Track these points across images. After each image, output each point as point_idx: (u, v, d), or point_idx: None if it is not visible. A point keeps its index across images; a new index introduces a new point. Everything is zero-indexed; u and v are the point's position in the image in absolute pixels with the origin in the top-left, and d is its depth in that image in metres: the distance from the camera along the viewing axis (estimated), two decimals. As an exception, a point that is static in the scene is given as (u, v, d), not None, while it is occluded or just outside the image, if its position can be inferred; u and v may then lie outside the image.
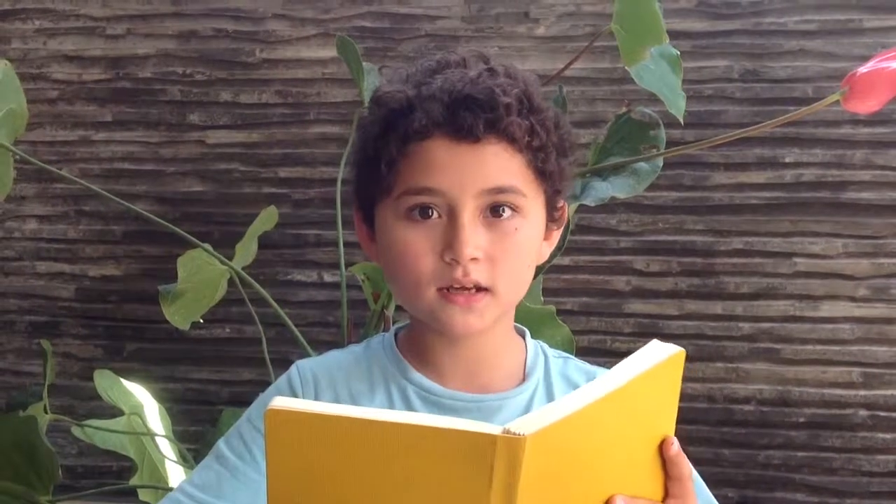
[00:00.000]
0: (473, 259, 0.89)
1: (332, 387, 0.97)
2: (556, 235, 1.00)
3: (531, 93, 0.93)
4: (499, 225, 0.90)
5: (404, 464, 0.69)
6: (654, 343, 0.79)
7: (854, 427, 2.12)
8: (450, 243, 0.89)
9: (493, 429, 0.66)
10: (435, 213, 0.90)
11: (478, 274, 0.89)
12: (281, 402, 0.69)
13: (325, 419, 0.69)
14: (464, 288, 0.90)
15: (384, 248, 0.94)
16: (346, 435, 0.69)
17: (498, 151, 0.89)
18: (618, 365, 0.76)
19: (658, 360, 0.76)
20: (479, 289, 0.90)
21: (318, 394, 0.97)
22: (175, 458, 1.77)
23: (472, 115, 0.88)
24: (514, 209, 0.90)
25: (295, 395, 0.97)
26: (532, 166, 0.92)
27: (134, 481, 1.74)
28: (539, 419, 0.67)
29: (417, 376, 0.97)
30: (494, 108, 0.89)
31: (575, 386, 1.00)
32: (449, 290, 0.90)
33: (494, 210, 0.90)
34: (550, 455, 0.68)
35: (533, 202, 0.92)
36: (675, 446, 0.80)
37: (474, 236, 0.89)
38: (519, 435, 0.65)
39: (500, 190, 0.89)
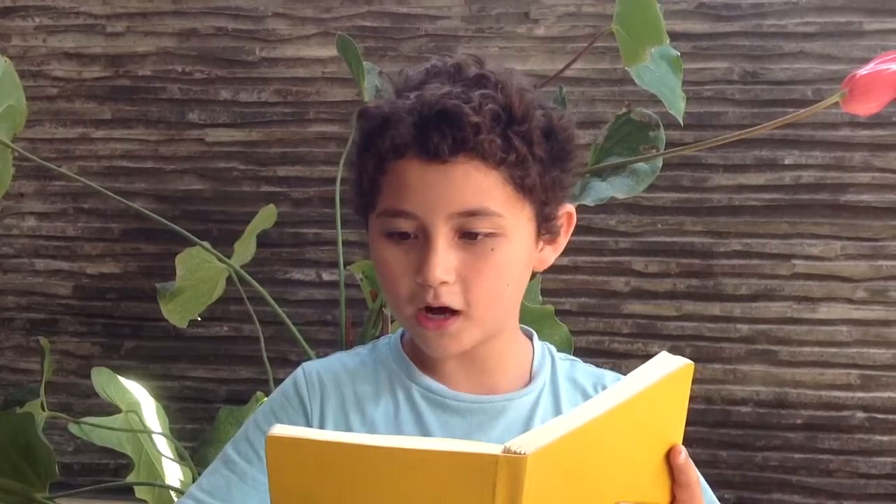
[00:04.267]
0: (444, 282, 0.88)
1: (337, 389, 0.97)
2: (563, 241, 0.98)
3: (512, 103, 0.88)
4: (473, 247, 0.88)
5: (406, 487, 0.69)
6: (663, 355, 0.79)
7: (851, 429, 2.12)
8: (420, 267, 0.88)
9: (493, 449, 0.66)
10: (412, 234, 0.89)
11: (449, 297, 0.88)
12: (281, 430, 0.69)
13: (325, 446, 0.69)
14: (436, 310, 0.89)
15: (372, 259, 0.94)
16: (347, 461, 0.69)
17: (469, 171, 0.87)
18: (625, 378, 0.76)
19: (665, 372, 0.76)
20: (452, 312, 0.89)
21: (323, 396, 0.96)
22: (172, 456, 1.77)
23: (439, 135, 0.86)
24: (490, 231, 0.88)
25: (300, 398, 0.97)
26: (511, 182, 0.88)
27: (131, 479, 1.74)
28: (540, 437, 0.67)
29: (423, 378, 0.96)
30: (461, 127, 0.85)
31: (581, 389, 0.99)
32: (425, 312, 0.89)
33: (468, 232, 0.88)
34: (553, 472, 0.68)
35: (514, 219, 0.89)
36: (683, 455, 0.80)
37: (445, 260, 0.87)
38: (520, 454, 0.65)
39: (471, 213, 0.87)
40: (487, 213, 0.88)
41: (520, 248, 0.91)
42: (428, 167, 0.87)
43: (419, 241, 0.89)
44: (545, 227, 0.94)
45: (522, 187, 0.89)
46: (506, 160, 0.88)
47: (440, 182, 0.87)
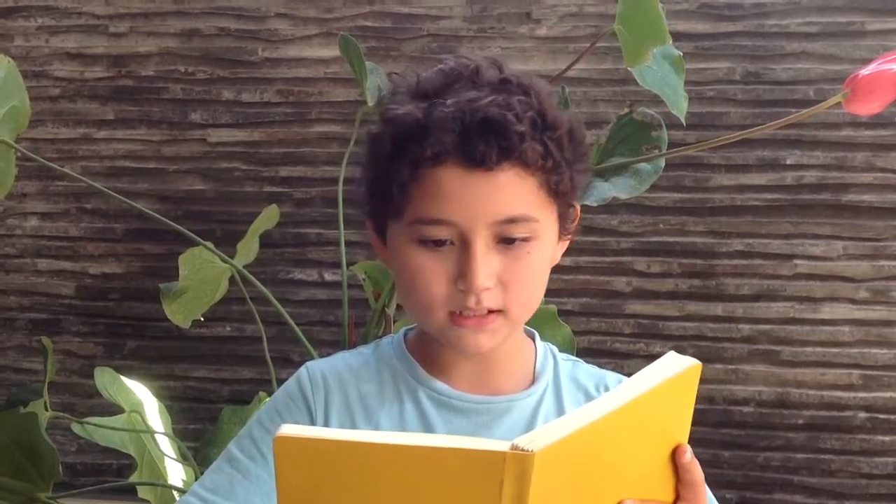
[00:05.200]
0: (486, 288, 0.88)
1: (341, 389, 0.97)
2: (570, 237, 0.99)
3: (545, 109, 0.90)
4: (511, 251, 0.89)
5: (414, 484, 0.69)
6: (671, 355, 0.79)
7: (853, 429, 2.12)
8: (462, 272, 0.88)
9: (501, 445, 0.66)
10: (447, 240, 0.89)
11: (490, 300, 0.89)
12: (288, 430, 0.70)
13: (333, 444, 0.69)
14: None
15: (396, 266, 0.93)
16: (355, 459, 0.70)
17: (511, 178, 0.88)
18: (632, 377, 0.76)
19: (673, 373, 0.77)
20: (491, 311, 0.90)
21: (327, 396, 0.97)
22: (175, 456, 1.77)
23: (484, 144, 0.86)
24: (526, 235, 0.90)
25: (305, 397, 0.97)
26: (545, 186, 0.90)
27: (134, 479, 1.74)
28: (548, 434, 0.67)
29: (427, 378, 0.97)
30: (508, 136, 0.86)
31: (584, 389, 1.00)
32: (460, 314, 0.90)
33: (506, 238, 0.89)
34: (560, 469, 0.69)
35: (545, 222, 0.91)
36: (689, 454, 0.81)
37: (486, 265, 0.88)
38: (528, 451, 0.65)
39: (513, 220, 0.88)
40: (527, 219, 0.89)
41: (548, 249, 0.93)
42: (470, 175, 0.87)
43: (456, 247, 0.89)
44: (565, 227, 0.96)
45: (556, 192, 0.91)
46: (544, 166, 0.89)
47: (483, 190, 0.87)
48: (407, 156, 0.88)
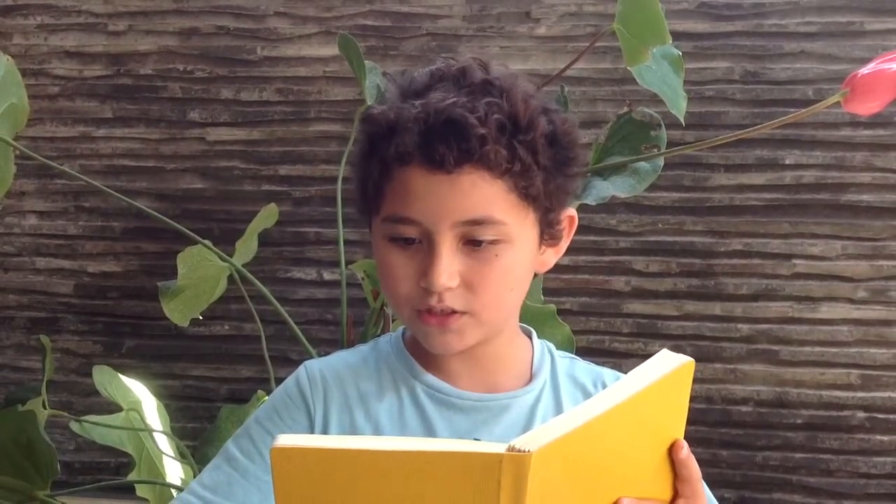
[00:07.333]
0: (448, 288, 0.89)
1: (340, 387, 0.97)
2: (565, 244, 0.99)
3: (517, 112, 0.89)
4: (478, 253, 0.89)
5: (412, 489, 0.69)
6: (664, 353, 0.80)
7: (852, 429, 2.12)
8: (425, 272, 0.89)
9: (498, 447, 0.67)
10: (416, 239, 0.90)
11: (453, 301, 0.90)
12: (285, 440, 0.70)
13: (330, 453, 0.70)
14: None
15: (376, 261, 0.95)
16: (353, 467, 0.70)
17: (475, 181, 0.87)
18: (627, 375, 0.77)
19: (667, 370, 0.77)
20: (456, 311, 0.90)
21: (326, 394, 0.97)
22: (173, 455, 1.77)
23: (444, 146, 0.86)
24: (494, 238, 0.89)
25: (304, 396, 0.97)
26: (515, 190, 0.89)
27: (132, 477, 1.74)
28: (544, 434, 0.68)
29: (427, 376, 0.97)
30: (467, 138, 0.86)
31: (581, 386, 1.00)
32: (427, 311, 0.90)
33: (473, 240, 0.89)
34: (557, 468, 0.69)
35: (518, 226, 0.90)
36: (685, 450, 0.81)
37: (449, 266, 0.88)
38: (524, 452, 0.66)
39: (476, 222, 0.88)
40: (492, 221, 0.89)
41: (523, 253, 0.92)
42: (433, 177, 0.88)
43: (423, 246, 0.89)
44: (548, 232, 0.95)
45: (527, 195, 0.90)
46: (511, 170, 0.88)
47: (445, 191, 0.88)
48: (378, 155, 0.90)
